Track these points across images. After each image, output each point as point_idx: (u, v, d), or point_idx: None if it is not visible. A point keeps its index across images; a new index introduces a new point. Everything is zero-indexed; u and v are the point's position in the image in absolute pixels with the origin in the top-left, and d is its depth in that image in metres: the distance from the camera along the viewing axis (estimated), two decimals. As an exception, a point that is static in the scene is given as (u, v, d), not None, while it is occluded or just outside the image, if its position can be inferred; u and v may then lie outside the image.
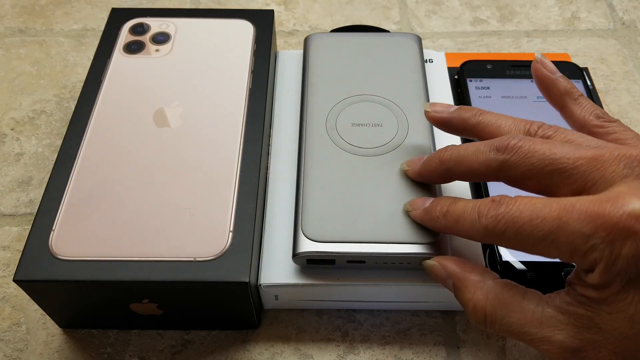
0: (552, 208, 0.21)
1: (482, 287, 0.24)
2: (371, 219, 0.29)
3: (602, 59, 0.45)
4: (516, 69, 0.40)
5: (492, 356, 0.31)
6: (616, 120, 0.26)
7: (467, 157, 0.25)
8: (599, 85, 0.43)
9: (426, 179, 0.29)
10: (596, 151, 0.22)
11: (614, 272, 0.20)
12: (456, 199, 0.26)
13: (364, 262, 0.28)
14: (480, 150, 0.25)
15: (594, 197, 0.20)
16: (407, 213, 0.28)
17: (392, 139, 0.32)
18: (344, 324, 0.32)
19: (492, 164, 0.24)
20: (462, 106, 0.28)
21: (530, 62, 0.29)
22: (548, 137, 0.24)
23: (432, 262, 0.27)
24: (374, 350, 0.31)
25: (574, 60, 0.45)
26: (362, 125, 0.33)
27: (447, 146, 0.27)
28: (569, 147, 0.23)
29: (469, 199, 0.25)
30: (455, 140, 0.34)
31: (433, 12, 0.49)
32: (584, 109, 0.26)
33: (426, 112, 0.29)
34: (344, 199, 0.30)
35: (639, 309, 0.20)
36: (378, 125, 0.33)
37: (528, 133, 0.25)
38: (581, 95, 0.27)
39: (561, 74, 0.28)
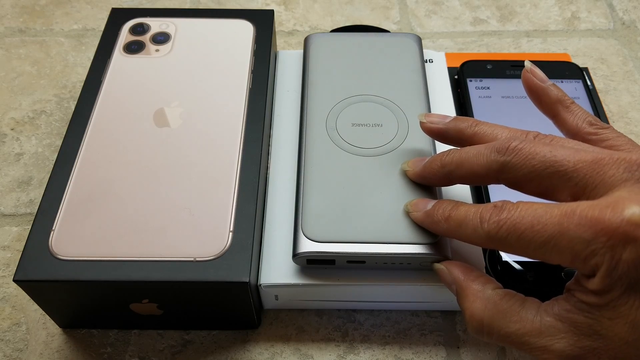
0: (553, 214, 0.21)
1: (481, 297, 0.24)
2: (371, 219, 0.29)
3: (602, 59, 0.45)
4: (516, 69, 0.40)
5: (492, 356, 0.31)
6: (609, 127, 0.26)
7: (468, 159, 0.25)
8: (599, 85, 0.43)
9: (427, 181, 0.29)
10: (596, 155, 0.22)
11: (615, 277, 0.20)
12: (458, 203, 0.26)
13: (364, 262, 0.28)
14: (481, 153, 0.25)
15: (594, 202, 0.20)
16: (408, 214, 0.28)
17: (392, 139, 0.32)
18: (344, 324, 0.32)
19: (493, 165, 0.24)
20: (458, 117, 0.28)
21: None
22: None
23: (440, 266, 0.27)
24: (374, 350, 0.31)
25: (574, 60, 0.45)
26: (362, 125, 0.33)
27: (449, 149, 0.27)
28: (569, 150, 0.23)
29: (471, 204, 0.25)
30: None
31: (433, 12, 0.49)
32: (576, 116, 0.26)
33: (421, 123, 0.29)
34: (344, 199, 0.30)
35: (639, 315, 0.20)
36: (378, 125, 0.33)
37: None
38: (573, 102, 0.27)
39: (552, 82, 0.28)
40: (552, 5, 0.49)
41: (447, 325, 0.32)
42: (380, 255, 0.28)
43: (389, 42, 0.38)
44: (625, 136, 0.25)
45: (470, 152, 0.26)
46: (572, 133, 0.26)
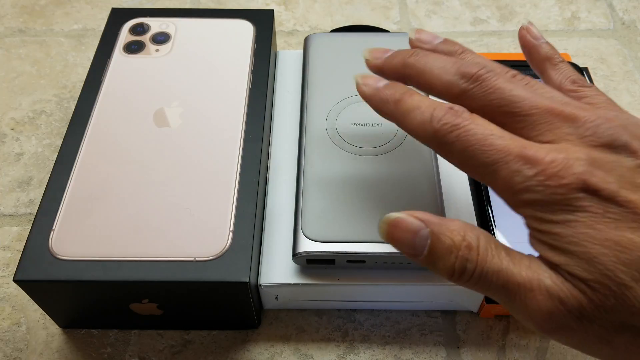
0: (505, 140, 0.21)
1: (472, 228, 0.22)
2: (371, 218, 0.29)
3: (602, 59, 0.45)
4: (516, 69, 0.40)
5: (492, 356, 0.31)
6: (591, 86, 0.25)
7: (432, 71, 0.25)
8: (599, 85, 0.43)
9: (383, 75, 0.27)
10: (550, 104, 0.22)
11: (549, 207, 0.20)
12: (412, 91, 0.25)
13: (364, 262, 0.29)
14: (446, 70, 0.24)
15: (544, 145, 0.21)
16: (357, 86, 0.27)
17: (392, 139, 0.32)
18: (344, 324, 0.32)
19: (454, 89, 0.24)
20: (446, 39, 0.28)
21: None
22: None
23: (396, 215, 0.23)
24: (374, 350, 0.31)
25: (574, 60, 0.45)
26: (362, 125, 0.33)
27: (416, 50, 0.26)
28: (529, 94, 0.23)
29: (426, 96, 0.24)
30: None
31: (433, 12, 0.49)
32: (561, 73, 0.26)
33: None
34: (344, 198, 0.30)
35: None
36: (378, 125, 0.33)
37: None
38: (562, 61, 0.27)
39: (546, 41, 0.28)
40: (552, 5, 0.49)
41: (447, 325, 0.32)
42: (380, 255, 0.28)
43: (389, 42, 0.38)
44: (604, 95, 0.25)
45: (436, 63, 0.25)
46: (555, 89, 0.26)
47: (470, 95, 0.23)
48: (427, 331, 0.31)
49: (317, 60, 0.37)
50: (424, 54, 0.26)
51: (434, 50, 0.27)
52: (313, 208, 0.29)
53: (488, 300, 0.30)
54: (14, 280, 0.27)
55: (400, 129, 0.32)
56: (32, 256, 0.27)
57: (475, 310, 0.32)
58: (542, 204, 0.20)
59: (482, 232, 0.22)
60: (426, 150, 0.32)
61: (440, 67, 0.24)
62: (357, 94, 0.34)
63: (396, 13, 0.49)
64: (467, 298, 0.31)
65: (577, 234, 0.20)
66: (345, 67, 0.36)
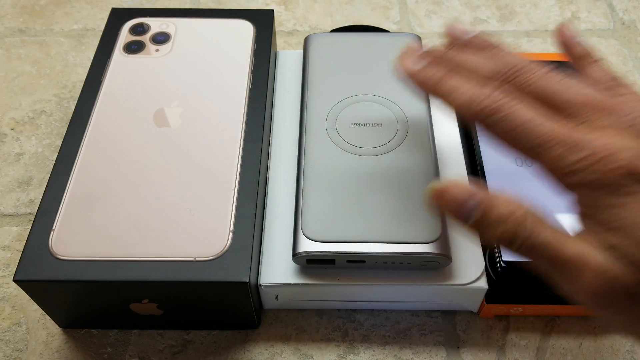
0: (551, 125, 0.22)
1: (524, 201, 0.22)
2: (371, 218, 0.29)
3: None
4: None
5: (492, 356, 0.31)
6: (627, 85, 0.25)
7: (462, 101, 0.24)
8: (599, 85, 0.43)
9: (414, 83, 0.27)
10: (588, 97, 0.23)
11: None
12: (453, 74, 0.25)
13: (364, 262, 0.29)
14: (474, 101, 0.24)
15: (592, 132, 0.21)
16: (396, 67, 0.27)
17: (392, 138, 0.32)
18: (344, 324, 0.32)
19: (492, 84, 0.24)
20: (478, 35, 0.27)
21: None
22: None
23: (447, 182, 0.23)
24: (374, 350, 0.31)
25: (574, 60, 0.45)
26: (362, 125, 0.33)
27: (453, 76, 0.26)
28: (566, 88, 0.23)
29: (465, 79, 0.25)
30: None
31: (433, 12, 0.49)
32: (600, 71, 0.26)
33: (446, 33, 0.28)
34: (344, 198, 0.30)
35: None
36: (378, 125, 0.33)
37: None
38: (599, 59, 0.27)
39: (582, 39, 0.28)
40: (552, 5, 0.49)
41: (447, 325, 0.32)
42: (380, 255, 0.28)
43: (389, 42, 0.38)
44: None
45: (466, 94, 0.24)
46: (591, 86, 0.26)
47: (507, 88, 0.24)
48: (427, 331, 0.31)
49: (317, 60, 0.37)
50: (460, 80, 0.25)
51: (467, 44, 0.27)
52: (313, 208, 0.29)
53: (488, 300, 0.30)
54: (14, 280, 0.27)
55: (400, 129, 0.33)
56: (32, 256, 0.27)
57: (475, 310, 0.32)
58: (592, 187, 0.21)
59: (533, 206, 0.22)
60: (426, 150, 0.32)
61: (469, 96, 0.24)
62: (357, 94, 0.35)
63: (396, 13, 0.49)
64: (467, 298, 0.31)
65: (627, 217, 0.20)
66: (345, 67, 0.36)
